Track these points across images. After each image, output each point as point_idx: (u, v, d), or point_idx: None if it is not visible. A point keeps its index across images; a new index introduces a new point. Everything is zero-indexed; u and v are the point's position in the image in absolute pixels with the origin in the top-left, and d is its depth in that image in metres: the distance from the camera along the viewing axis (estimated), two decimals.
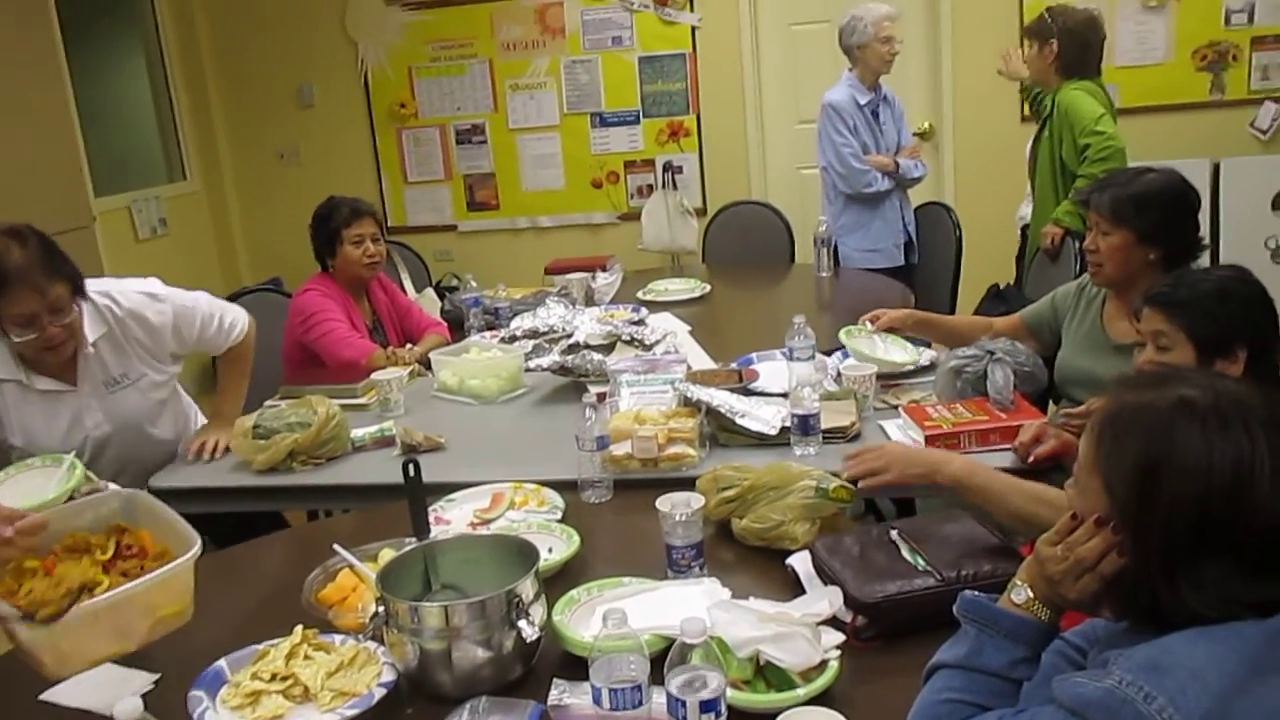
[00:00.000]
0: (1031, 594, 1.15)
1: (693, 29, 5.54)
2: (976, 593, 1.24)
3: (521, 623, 1.38)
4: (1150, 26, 4.97)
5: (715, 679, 1.16)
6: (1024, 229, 3.98)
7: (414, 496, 1.61)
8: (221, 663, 1.47)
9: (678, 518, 1.66)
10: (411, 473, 1.60)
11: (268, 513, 2.56)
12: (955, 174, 5.43)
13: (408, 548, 1.57)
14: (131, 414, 2.44)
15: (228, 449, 2.44)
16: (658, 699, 1.21)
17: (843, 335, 2.67)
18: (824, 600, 1.42)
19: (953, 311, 4.11)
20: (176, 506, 2.35)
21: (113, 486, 1.90)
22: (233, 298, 3.49)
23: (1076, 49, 3.58)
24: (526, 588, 1.41)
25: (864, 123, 4.21)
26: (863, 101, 4.20)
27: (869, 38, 4.11)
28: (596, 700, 1.21)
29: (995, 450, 2.07)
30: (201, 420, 2.72)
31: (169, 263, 5.82)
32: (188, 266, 5.99)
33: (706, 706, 1.15)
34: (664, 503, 1.71)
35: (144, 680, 1.50)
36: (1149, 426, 1.03)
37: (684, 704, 1.15)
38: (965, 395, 2.29)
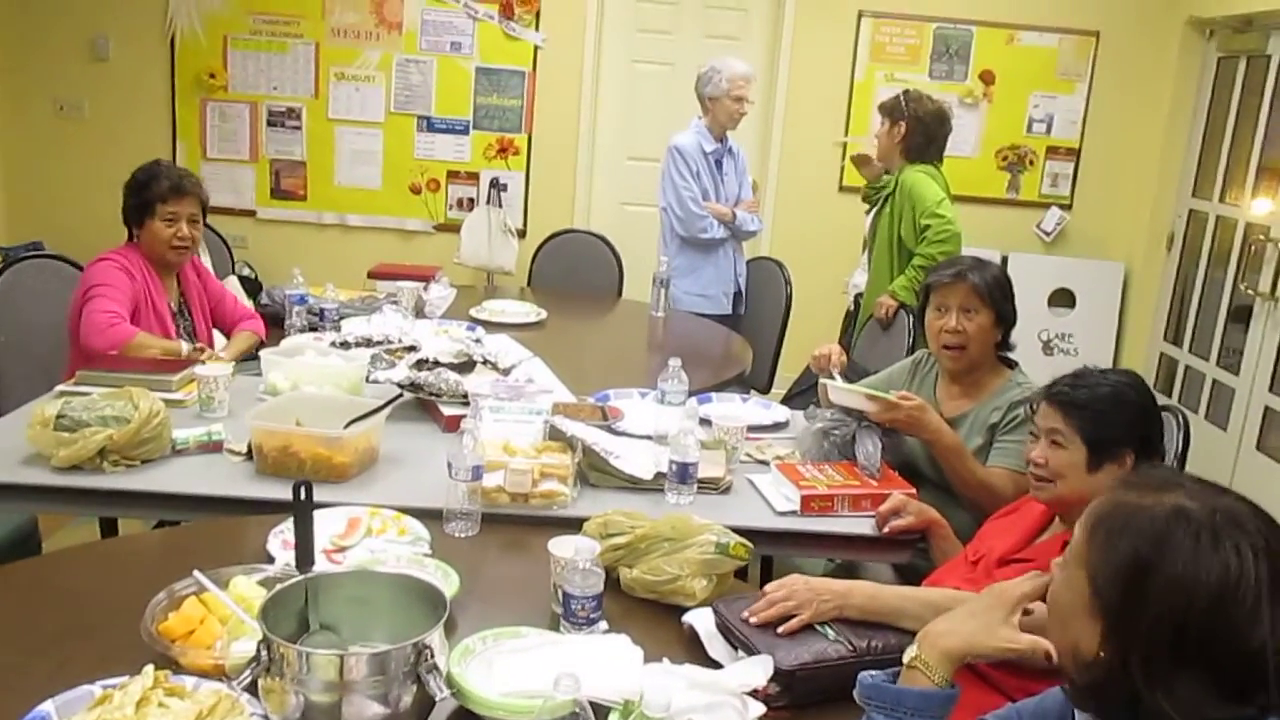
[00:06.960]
0: (920, 652, 1.22)
1: (536, 48, 5.44)
2: (873, 674, 1.25)
3: (430, 678, 1.23)
4: (965, 121, 5.31)
5: None
6: (857, 296, 4.13)
7: (302, 522, 1.41)
8: (48, 706, 1.23)
9: (580, 565, 1.54)
10: (302, 495, 1.40)
11: None
12: (773, 233, 5.59)
13: (290, 580, 1.37)
14: None
15: None
16: None
17: (832, 392, 2.37)
18: (758, 670, 1.36)
19: (775, 367, 4.19)
20: None
21: None
22: None
23: (922, 137, 3.77)
24: (435, 640, 1.26)
25: (707, 170, 4.26)
26: (708, 149, 4.25)
27: (722, 92, 4.18)
28: None
29: (867, 516, 2.09)
30: None
31: None
32: None
33: None
34: (562, 546, 1.59)
35: None
36: (1143, 530, 1.02)
37: None
38: (831, 457, 2.30)
